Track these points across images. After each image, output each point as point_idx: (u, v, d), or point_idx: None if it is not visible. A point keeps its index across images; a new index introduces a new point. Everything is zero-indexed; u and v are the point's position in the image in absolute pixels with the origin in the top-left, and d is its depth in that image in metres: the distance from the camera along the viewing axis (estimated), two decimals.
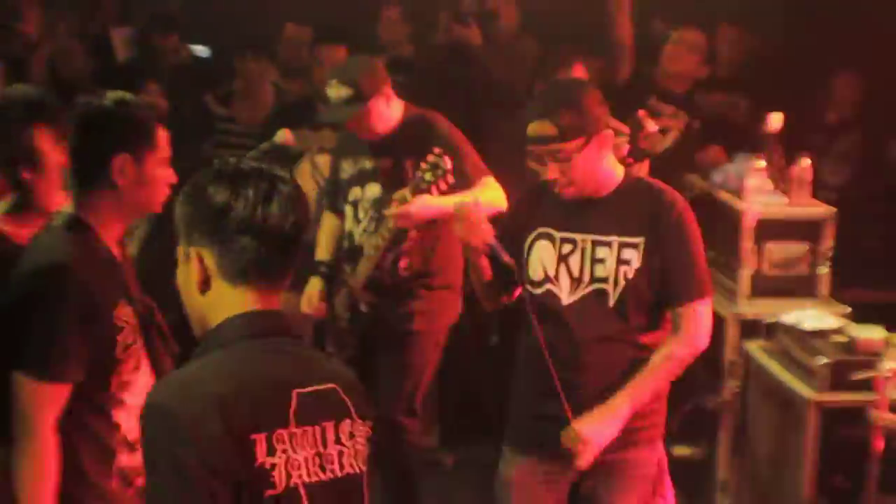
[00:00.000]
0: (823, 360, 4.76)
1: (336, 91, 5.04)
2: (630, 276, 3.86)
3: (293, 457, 2.35)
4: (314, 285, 5.36)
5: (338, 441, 2.45)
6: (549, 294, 3.96)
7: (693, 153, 6.61)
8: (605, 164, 3.92)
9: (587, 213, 3.93)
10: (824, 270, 5.54)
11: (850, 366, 4.69)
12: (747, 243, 5.46)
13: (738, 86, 7.28)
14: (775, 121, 5.68)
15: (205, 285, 2.43)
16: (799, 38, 8.10)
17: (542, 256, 3.99)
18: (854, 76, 7.73)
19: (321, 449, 2.41)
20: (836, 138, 7.45)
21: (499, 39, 7.66)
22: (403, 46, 7.92)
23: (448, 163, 4.73)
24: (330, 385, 2.47)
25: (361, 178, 5.21)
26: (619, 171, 3.99)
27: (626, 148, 4.77)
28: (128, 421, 3.37)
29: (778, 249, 5.50)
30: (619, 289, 3.87)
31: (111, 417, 3.36)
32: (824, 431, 4.76)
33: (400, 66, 6.87)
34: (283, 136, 5.56)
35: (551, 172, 3.84)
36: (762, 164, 5.58)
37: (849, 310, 5.43)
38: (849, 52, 7.79)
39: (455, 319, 5.33)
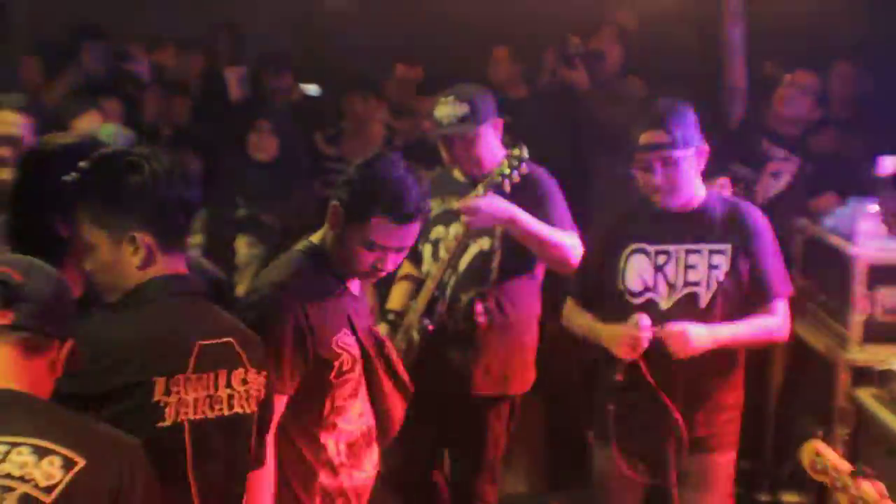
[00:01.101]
0: None
1: (451, 108, 4.93)
2: (721, 278, 4.34)
3: (184, 398, 2.84)
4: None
5: (229, 385, 2.93)
6: (650, 301, 4.39)
7: (805, 197, 6.52)
8: (698, 178, 4.42)
9: (677, 226, 4.39)
10: None
11: None
12: (859, 288, 5.36)
13: (851, 125, 7.15)
14: (888, 164, 5.59)
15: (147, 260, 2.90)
16: None
17: (639, 269, 4.41)
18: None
19: (212, 392, 2.90)
20: None
21: (605, 80, 7.61)
22: (515, 87, 7.87)
23: (526, 152, 4.78)
24: (228, 339, 2.97)
25: (447, 218, 5.06)
26: (702, 189, 4.45)
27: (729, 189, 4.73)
28: (335, 445, 3.65)
29: (891, 295, 5.39)
30: (711, 291, 4.34)
31: (319, 438, 3.63)
32: None
33: (506, 107, 6.87)
34: None
35: (659, 178, 4.31)
36: (875, 208, 5.48)
37: None
38: None
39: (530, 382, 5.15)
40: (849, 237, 5.52)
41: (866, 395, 5.15)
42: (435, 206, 5.13)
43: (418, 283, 5.16)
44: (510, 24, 8.29)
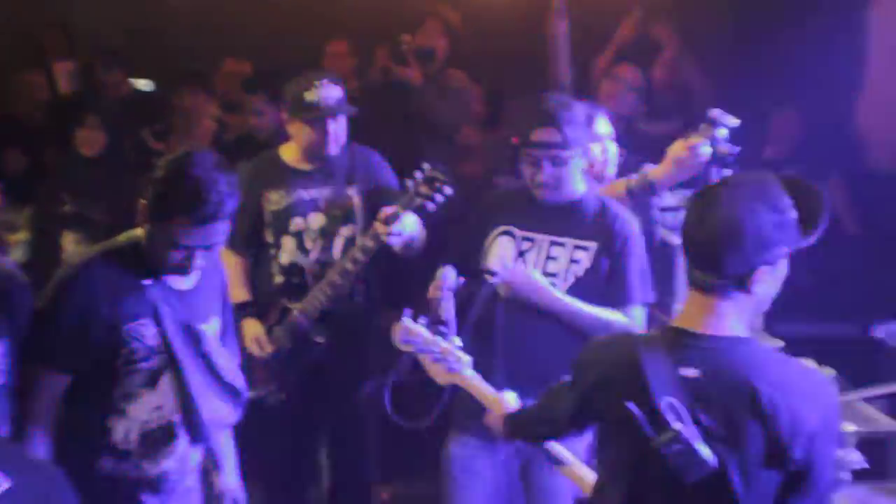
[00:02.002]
0: None
1: (332, 90, 5.13)
2: (580, 274, 4.44)
3: None
4: (254, 327, 5.24)
5: None
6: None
7: None
8: (580, 175, 4.52)
9: (549, 217, 4.49)
10: None
11: None
12: (679, 276, 5.46)
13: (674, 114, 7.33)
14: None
15: None
16: (740, 76, 8.16)
17: (501, 251, 4.51)
18: (792, 112, 7.83)
19: None
20: (774, 173, 7.49)
21: (434, 75, 7.67)
22: (349, 81, 7.88)
23: (442, 175, 4.86)
24: None
25: (301, 209, 5.17)
26: (582, 185, 4.55)
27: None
28: (125, 431, 3.69)
29: None
30: (567, 284, 4.43)
31: (105, 421, 3.68)
32: None
33: None
34: None
35: (545, 176, 4.41)
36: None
37: (782, 343, 5.45)
38: (787, 89, 7.87)
39: None
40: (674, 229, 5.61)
41: None
42: (277, 199, 5.16)
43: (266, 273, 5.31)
44: (340, 18, 8.26)
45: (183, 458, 3.87)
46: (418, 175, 4.85)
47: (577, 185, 4.52)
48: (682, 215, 5.20)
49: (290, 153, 5.33)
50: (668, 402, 2.93)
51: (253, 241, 5.32)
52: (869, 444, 4.58)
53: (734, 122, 4.26)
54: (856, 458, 4.21)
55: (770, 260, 2.94)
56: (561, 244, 4.47)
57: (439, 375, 3.85)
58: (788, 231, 2.96)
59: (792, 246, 2.98)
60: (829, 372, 4.90)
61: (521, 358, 4.39)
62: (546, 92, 4.63)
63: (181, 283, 3.79)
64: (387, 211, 4.88)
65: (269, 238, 5.27)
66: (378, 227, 4.87)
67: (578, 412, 3.26)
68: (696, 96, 7.90)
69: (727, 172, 4.34)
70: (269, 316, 5.22)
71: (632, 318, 4.48)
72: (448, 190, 4.84)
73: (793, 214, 2.96)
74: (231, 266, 5.25)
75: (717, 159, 4.34)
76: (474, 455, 4.55)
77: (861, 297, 7.11)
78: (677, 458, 2.90)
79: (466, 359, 3.82)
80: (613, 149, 5.18)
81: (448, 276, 4.50)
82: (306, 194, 5.22)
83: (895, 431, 4.74)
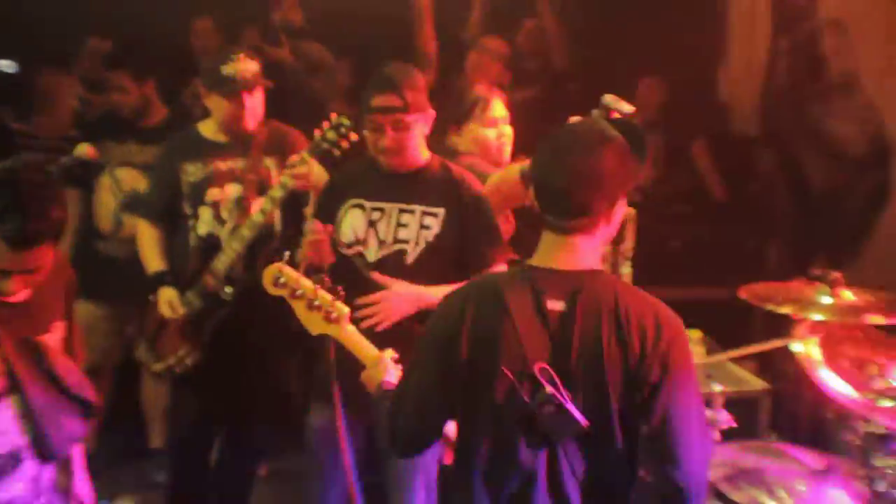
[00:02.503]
0: None
1: (245, 64, 5.13)
2: (430, 239, 4.46)
3: None
4: (168, 293, 5.25)
5: None
6: (359, 254, 4.52)
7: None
8: (422, 142, 4.55)
9: (395, 186, 4.52)
10: (627, 270, 5.62)
11: None
12: None
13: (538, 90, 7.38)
14: None
15: None
16: (603, 44, 8.24)
17: (353, 223, 4.53)
18: (657, 80, 7.94)
19: None
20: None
21: (302, 52, 7.64)
22: None
23: (348, 121, 4.87)
24: None
25: (218, 179, 5.24)
26: (426, 153, 4.59)
27: None
28: None
29: None
30: (419, 249, 4.46)
31: None
32: None
33: None
34: (84, 149, 5.48)
35: (388, 141, 4.43)
36: None
37: None
38: (651, 57, 7.98)
39: None
40: None
41: None
42: (193, 171, 5.16)
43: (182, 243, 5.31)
44: None
45: (35, 479, 3.70)
46: (325, 124, 4.86)
47: (422, 152, 4.58)
48: None
49: (207, 127, 5.37)
50: (541, 367, 3.04)
51: (170, 213, 5.35)
52: (739, 403, 4.68)
53: (628, 108, 4.27)
54: (724, 418, 4.29)
55: (624, 194, 3.19)
56: (410, 211, 4.50)
57: (313, 325, 3.76)
58: (634, 165, 3.21)
59: (633, 182, 3.26)
60: (696, 333, 5.00)
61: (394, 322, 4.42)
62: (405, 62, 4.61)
63: (13, 295, 3.58)
64: (293, 158, 4.88)
65: (187, 209, 5.29)
66: (285, 172, 4.89)
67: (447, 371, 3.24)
68: (558, 64, 7.99)
69: None
70: (183, 282, 5.21)
71: None
72: (354, 136, 4.85)
73: (628, 147, 3.19)
74: (147, 237, 5.39)
75: None
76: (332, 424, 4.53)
77: (728, 259, 7.26)
78: (550, 420, 3.04)
79: (345, 310, 3.77)
80: (509, 132, 5.19)
81: (318, 225, 4.51)
82: (223, 165, 5.27)
83: (764, 391, 4.83)
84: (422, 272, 4.47)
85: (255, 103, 5.21)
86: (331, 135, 4.86)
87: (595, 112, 4.27)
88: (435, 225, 4.49)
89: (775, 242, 7.97)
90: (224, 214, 5.23)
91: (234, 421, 5.56)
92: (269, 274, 3.77)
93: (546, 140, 3.27)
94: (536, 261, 3.24)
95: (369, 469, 4.56)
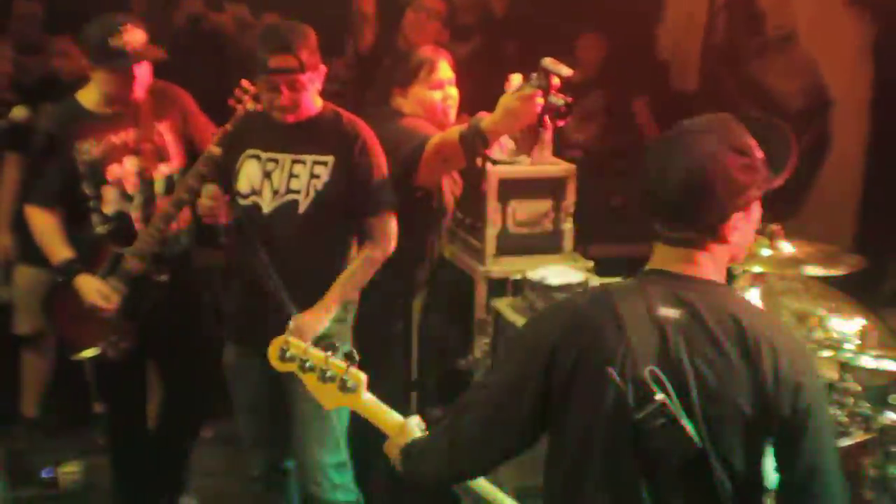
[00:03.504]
0: None
1: (132, 35, 4.92)
2: (319, 188, 4.55)
3: None
4: (91, 281, 5.00)
5: None
6: (254, 204, 4.61)
7: None
8: (315, 94, 4.62)
9: (288, 136, 4.60)
10: (568, 227, 5.65)
11: None
12: (492, 203, 5.53)
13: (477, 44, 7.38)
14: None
15: None
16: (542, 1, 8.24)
17: (249, 173, 4.63)
18: (596, 36, 7.94)
19: None
20: (580, 97, 7.62)
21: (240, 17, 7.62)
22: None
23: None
24: None
25: (114, 155, 5.04)
26: (318, 101, 4.65)
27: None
28: None
29: (522, 208, 5.59)
30: (310, 199, 4.55)
31: None
32: None
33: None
34: (20, 112, 5.40)
35: (284, 100, 4.50)
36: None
37: (592, 264, 5.56)
38: (590, 14, 7.98)
39: None
40: None
41: (503, 305, 5.33)
42: (88, 148, 5.00)
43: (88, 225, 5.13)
44: None
45: None
46: (237, 92, 4.78)
47: (315, 103, 4.64)
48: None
49: (88, 98, 5.11)
50: (651, 370, 2.70)
51: (67, 196, 5.09)
52: None
53: (567, 71, 4.23)
54: None
55: (742, 205, 2.78)
56: (302, 162, 4.58)
57: (328, 399, 3.38)
58: (758, 173, 2.78)
59: (763, 188, 2.81)
60: None
61: (291, 271, 4.57)
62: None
63: None
64: (217, 132, 4.81)
65: (88, 190, 5.05)
66: (211, 148, 4.80)
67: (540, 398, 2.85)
68: (497, 18, 7.98)
69: (561, 123, 4.33)
70: (97, 267, 5.05)
71: (384, 225, 4.63)
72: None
73: (759, 155, 2.79)
74: (46, 225, 5.08)
75: (550, 109, 4.31)
76: (239, 362, 4.78)
77: None
78: (659, 434, 2.67)
79: (361, 377, 3.38)
80: (455, 94, 5.16)
81: (217, 192, 4.61)
82: (115, 139, 5.05)
83: None
84: (313, 222, 4.57)
85: (143, 73, 5.03)
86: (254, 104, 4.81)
87: (533, 76, 4.24)
88: (324, 174, 4.57)
89: None
90: (129, 189, 5.06)
91: (171, 385, 5.51)
92: (274, 347, 3.45)
93: (657, 141, 2.91)
94: (650, 266, 2.88)
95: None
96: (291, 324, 4.48)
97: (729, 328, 2.71)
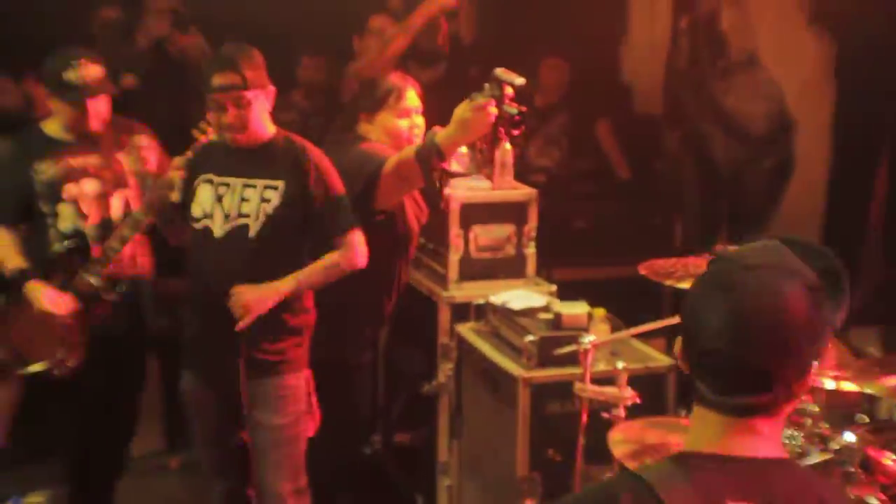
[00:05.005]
0: (530, 338, 4.86)
1: (87, 70, 5.03)
2: (269, 212, 4.56)
3: None
4: (44, 288, 5.00)
5: None
6: (206, 228, 4.63)
7: None
8: (265, 117, 4.64)
9: (241, 161, 4.63)
10: (531, 251, 5.66)
11: (556, 342, 4.76)
12: (454, 229, 5.53)
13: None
14: None
15: None
16: (504, 25, 8.27)
17: (201, 198, 4.66)
18: (560, 61, 7.98)
19: None
20: (544, 121, 7.66)
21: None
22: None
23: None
24: None
25: (72, 175, 5.14)
26: (271, 127, 4.68)
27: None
28: None
29: (484, 233, 5.60)
30: (259, 223, 4.56)
31: None
32: (535, 407, 4.81)
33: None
34: None
35: (230, 118, 4.52)
36: (464, 149, 5.61)
37: (555, 288, 5.57)
38: (554, 39, 8.01)
39: None
40: None
41: (467, 330, 5.33)
42: (46, 169, 5.05)
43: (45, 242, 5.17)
44: None
45: None
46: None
47: (266, 127, 4.66)
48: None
49: (52, 127, 5.23)
50: None
51: (24, 215, 5.17)
52: (646, 380, 4.72)
53: (519, 80, 4.24)
54: (628, 395, 4.32)
55: (821, 352, 2.18)
56: (252, 186, 4.60)
57: None
58: (828, 307, 2.17)
59: (834, 324, 2.18)
60: (600, 312, 5.03)
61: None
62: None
63: None
64: (176, 160, 4.82)
65: (44, 208, 5.15)
66: (171, 172, 4.81)
67: None
68: (463, 43, 7.99)
69: (516, 133, 4.33)
70: (52, 281, 5.07)
71: (350, 240, 4.63)
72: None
73: (820, 284, 2.16)
74: (2, 240, 5.12)
75: (505, 118, 4.31)
76: (196, 392, 4.81)
77: (633, 237, 7.31)
78: None
79: None
80: (421, 122, 5.16)
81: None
82: (74, 162, 5.16)
83: (670, 367, 4.88)
84: (264, 246, 4.56)
85: (99, 107, 5.13)
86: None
87: (486, 86, 4.26)
88: (274, 197, 4.57)
89: (681, 220, 8.05)
90: (85, 209, 5.15)
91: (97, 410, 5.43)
92: None
93: (705, 285, 2.21)
94: (696, 446, 2.19)
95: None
96: (233, 296, 4.49)
97: None
